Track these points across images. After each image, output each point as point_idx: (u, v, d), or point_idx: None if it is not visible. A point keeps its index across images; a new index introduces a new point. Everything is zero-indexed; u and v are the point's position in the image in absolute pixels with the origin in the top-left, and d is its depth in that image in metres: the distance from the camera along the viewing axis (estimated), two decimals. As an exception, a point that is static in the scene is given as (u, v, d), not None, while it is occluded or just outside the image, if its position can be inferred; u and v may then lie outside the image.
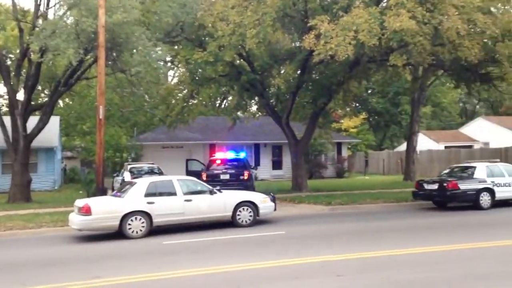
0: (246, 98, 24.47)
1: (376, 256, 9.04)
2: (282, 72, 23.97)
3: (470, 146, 38.65)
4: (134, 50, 17.85)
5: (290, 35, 19.20)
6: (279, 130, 25.70)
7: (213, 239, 11.59)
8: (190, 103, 24.20)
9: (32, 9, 20.66)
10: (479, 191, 16.03)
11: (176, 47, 23.12)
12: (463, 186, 16.06)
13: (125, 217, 11.90)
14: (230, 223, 13.21)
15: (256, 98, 24.61)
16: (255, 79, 21.56)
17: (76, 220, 11.93)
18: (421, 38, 15.08)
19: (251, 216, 13.35)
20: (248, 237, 11.72)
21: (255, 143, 34.04)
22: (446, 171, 18.43)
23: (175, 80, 36.71)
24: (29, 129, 20.46)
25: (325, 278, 7.54)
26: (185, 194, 12.79)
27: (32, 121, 21.01)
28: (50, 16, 20.43)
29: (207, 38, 20.80)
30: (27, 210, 17.07)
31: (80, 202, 12.23)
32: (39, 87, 32.72)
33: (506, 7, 17.90)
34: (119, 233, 12.00)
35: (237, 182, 19.32)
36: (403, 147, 37.64)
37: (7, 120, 20.74)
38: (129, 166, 22.51)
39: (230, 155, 22.08)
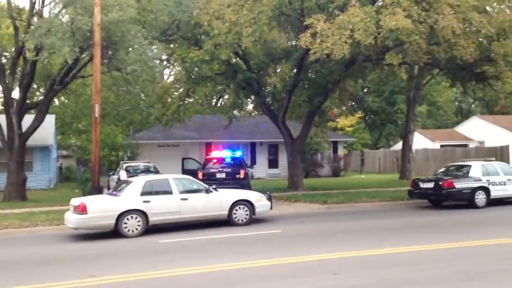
0: (242, 97, 24.46)
1: (372, 254, 9.06)
2: (278, 70, 23.95)
3: (466, 145, 38.79)
4: (130, 49, 17.81)
5: (286, 34, 19.21)
6: (275, 129, 25.71)
7: (209, 238, 11.58)
8: (186, 102, 24.16)
9: (27, 7, 20.55)
10: (475, 190, 16.10)
11: (172, 45, 23.07)
12: (459, 184, 16.13)
13: (121, 215, 11.88)
14: (226, 222, 13.21)
15: (252, 96, 24.59)
16: (251, 78, 21.55)
17: (71, 219, 11.90)
18: (416, 37, 15.11)
19: (247, 214, 13.35)
20: (244, 235, 11.73)
21: (251, 141, 34.03)
22: (442, 170, 18.49)
23: (171, 78, 36.74)
24: (25, 128, 20.37)
25: (321, 277, 7.55)
26: (181, 193, 12.78)
27: (28, 120, 20.91)
28: (46, 14, 20.36)
29: (203, 37, 20.77)
30: (22, 209, 17.00)
31: (75, 201, 12.20)
32: (35, 86, 32.55)
33: (501, 6, 17.94)
34: (115, 232, 11.97)
35: (233, 181, 19.32)
36: (399, 146, 37.74)
37: (2, 118, 20.63)
38: (125, 165, 22.46)
39: (226, 153, 22.08)
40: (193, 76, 21.64)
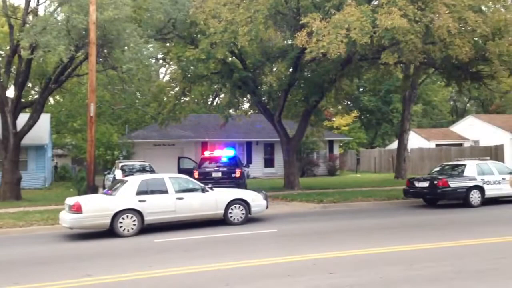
0: (238, 96, 24.45)
1: (368, 253, 9.08)
2: (274, 69, 23.97)
3: (461, 144, 38.92)
4: (126, 47, 17.75)
5: (282, 33, 19.19)
6: (271, 128, 25.73)
7: (205, 237, 11.57)
8: (182, 101, 24.14)
9: (23, 5, 20.49)
10: (469, 189, 16.16)
11: (168, 44, 23.03)
12: (453, 184, 16.18)
13: (116, 215, 11.85)
14: (222, 221, 13.20)
15: (248, 95, 24.58)
16: (247, 77, 21.54)
17: (67, 218, 11.86)
18: (412, 36, 15.14)
19: (243, 214, 13.34)
20: (240, 235, 11.72)
21: (247, 141, 34.03)
22: (437, 169, 18.55)
23: (167, 77, 36.73)
24: (19, 127, 20.28)
25: (317, 276, 7.55)
26: (177, 192, 12.75)
27: (23, 119, 20.83)
28: (41, 12, 20.31)
29: (199, 35, 20.74)
30: (17, 208, 16.93)
31: (70, 200, 12.15)
32: (30, 84, 32.43)
33: (496, 6, 17.99)
34: (110, 231, 11.94)
35: (229, 180, 19.34)
36: (394, 145, 37.83)
37: (-4, 117, 20.54)
38: (120, 164, 22.41)
39: (222, 152, 22.08)
40: (189, 75, 21.61)
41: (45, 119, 28.40)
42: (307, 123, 24.18)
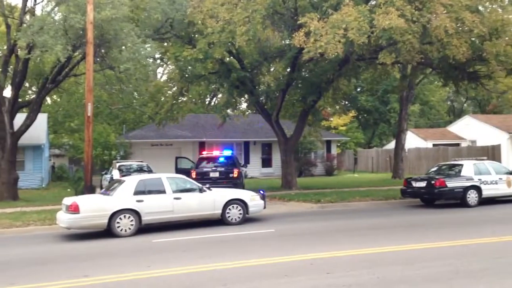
0: (236, 96, 24.42)
1: (365, 253, 9.09)
2: (272, 69, 23.95)
3: (458, 144, 39.00)
4: (123, 47, 17.72)
5: (280, 33, 19.18)
6: (268, 128, 25.73)
7: (203, 237, 11.56)
8: (180, 101, 24.10)
9: (20, 5, 20.40)
10: (466, 189, 16.20)
11: (165, 44, 22.99)
12: (451, 183, 16.21)
13: (113, 215, 11.83)
14: (219, 221, 13.20)
15: (246, 95, 24.57)
16: (245, 77, 21.53)
17: (64, 218, 11.83)
18: (410, 36, 15.16)
19: (240, 214, 13.34)
20: (237, 235, 11.72)
21: (244, 141, 34.02)
22: (434, 169, 18.58)
23: (165, 77, 36.68)
24: (16, 127, 20.22)
25: (315, 276, 7.55)
26: (175, 192, 12.74)
27: (20, 118, 20.78)
28: (38, 12, 20.21)
29: (196, 35, 20.72)
30: (14, 208, 16.90)
31: (68, 200, 12.13)
32: (27, 84, 32.34)
33: (493, 6, 18.04)
34: (107, 232, 11.92)
35: (226, 180, 19.33)
36: (391, 145, 37.89)
37: (-6, 117, 20.47)
38: (117, 164, 22.37)
39: (220, 152, 22.07)
40: (186, 75, 21.58)
41: (42, 119, 28.33)
42: (304, 123, 24.19)
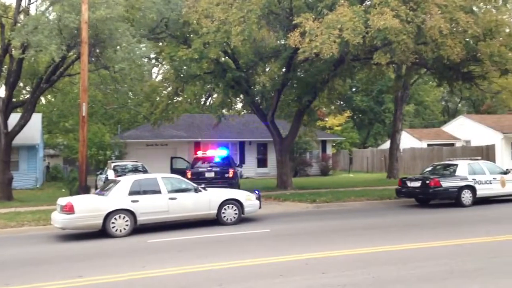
0: (231, 96, 24.42)
1: (360, 253, 9.11)
2: (267, 69, 23.96)
3: (452, 144, 39.16)
4: (118, 47, 17.67)
5: (275, 33, 19.20)
6: (264, 128, 25.73)
7: (198, 237, 11.55)
8: (175, 101, 24.06)
9: (14, 4, 20.29)
10: (461, 189, 16.26)
11: (160, 43, 22.95)
12: (445, 183, 16.28)
13: (108, 215, 11.80)
14: (215, 221, 13.19)
15: (241, 95, 24.57)
16: (240, 77, 21.52)
17: (58, 219, 11.79)
18: (404, 37, 15.21)
19: (236, 214, 13.34)
20: (233, 235, 11.71)
21: (240, 141, 34.02)
22: (429, 168, 18.66)
23: (160, 77, 36.59)
24: (11, 127, 20.13)
25: (310, 276, 7.56)
26: (170, 192, 12.72)
27: (14, 118, 20.68)
28: (32, 11, 20.13)
29: (191, 35, 20.70)
30: (8, 209, 16.81)
31: (62, 201, 12.08)
32: (21, 84, 32.19)
33: (487, 7, 18.13)
34: (102, 232, 11.89)
35: (222, 180, 19.32)
36: (386, 145, 37.99)
37: (-13, 117, 20.36)
38: (112, 164, 22.32)
39: (215, 152, 22.05)
40: (181, 75, 21.55)
41: (36, 119, 28.21)
42: (300, 123, 24.22)
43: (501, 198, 17.42)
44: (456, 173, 16.69)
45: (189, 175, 18.97)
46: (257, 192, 14.38)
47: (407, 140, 38.42)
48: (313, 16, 16.24)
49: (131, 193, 12.27)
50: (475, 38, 17.22)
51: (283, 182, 23.13)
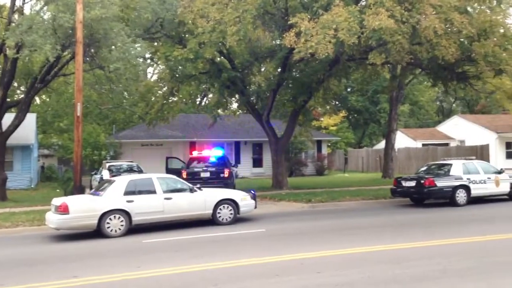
0: (227, 96, 24.41)
1: (355, 252, 9.14)
2: (262, 69, 24.00)
3: (447, 144, 39.33)
4: (113, 46, 17.63)
5: (271, 33, 19.22)
6: (259, 128, 25.74)
7: (193, 237, 11.54)
8: (170, 101, 24.03)
9: (8, 4, 20.20)
10: (455, 188, 16.33)
11: (155, 43, 22.92)
12: (440, 183, 16.34)
13: (103, 215, 11.77)
14: (210, 221, 13.19)
15: (237, 95, 24.57)
16: (235, 77, 21.52)
17: (53, 219, 11.75)
18: (399, 37, 15.26)
19: (231, 214, 13.34)
20: (228, 235, 11.71)
21: (235, 141, 34.02)
22: (423, 168, 18.73)
23: (155, 77, 36.51)
24: (5, 127, 20.05)
25: (305, 275, 7.58)
26: (165, 192, 12.70)
27: (8, 118, 20.58)
28: (27, 11, 20.06)
29: (187, 35, 20.67)
30: (2, 209, 16.73)
31: (57, 201, 12.04)
32: (15, 84, 31.97)
33: (482, 7, 18.21)
34: (97, 232, 11.86)
35: (217, 180, 19.32)
36: (381, 145, 38.11)
37: (-19, 117, 20.26)
38: (107, 164, 22.24)
39: (211, 152, 22.05)
40: (177, 75, 21.52)
41: (31, 119, 28.10)
42: (295, 123, 24.24)
43: (495, 197, 17.50)
44: (451, 173, 16.77)
45: (184, 175, 18.95)
46: (253, 192, 14.38)
47: (402, 140, 38.55)
48: (309, 16, 16.26)
49: (126, 193, 12.24)
50: (470, 38, 17.30)
51: (279, 182, 23.14)
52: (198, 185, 13.88)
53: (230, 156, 31.57)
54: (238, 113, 28.34)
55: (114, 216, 11.86)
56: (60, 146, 36.98)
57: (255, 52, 21.64)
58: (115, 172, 20.89)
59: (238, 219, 13.54)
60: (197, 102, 43.05)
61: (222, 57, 22.75)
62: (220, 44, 19.27)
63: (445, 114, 57.92)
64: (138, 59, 21.27)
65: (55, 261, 9.50)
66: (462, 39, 17.52)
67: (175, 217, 12.84)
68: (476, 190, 16.67)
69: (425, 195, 16.66)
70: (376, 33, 15.01)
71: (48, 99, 39.82)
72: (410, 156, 35.69)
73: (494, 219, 13.59)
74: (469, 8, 17.82)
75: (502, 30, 17.99)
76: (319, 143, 36.63)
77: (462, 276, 7.36)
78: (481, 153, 31.49)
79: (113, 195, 12.15)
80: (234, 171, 23.29)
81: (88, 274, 8.08)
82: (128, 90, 27.77)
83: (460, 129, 40.02)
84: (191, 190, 13.11)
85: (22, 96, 25.73)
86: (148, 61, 27.78)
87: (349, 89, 42.19)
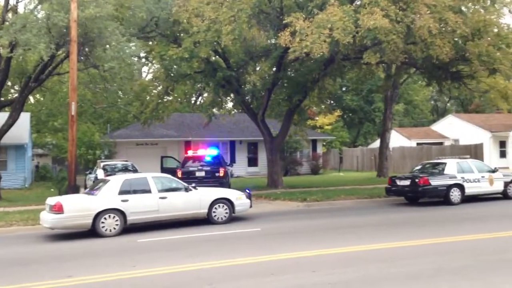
0: (222, 95, 24.40)
1: (350, 251, 9.16)
2: (257, 69, 23.97)
3: (441, 143, 39.51)
4: (107, 46, 17.58)
5: (266, 32, 19.23)
6: (254, 127, 25.73)
7: (188, 237, 11.53)
8: (165, 100, 23.98)
9: (2, 3, 20.10)
10: (450, 187, 16.40)
11: (150, 42, 22.86)
12: (434, 182, 16.41)
13: (98, 215, 11.73)
14: (205, 220, 13.17)
15: (232, 95, 24.56)
16: (230, 76, 21.51)
17: (47, 219, 11.69)
18: (394, 37, 15.31)
19: (226, 213, 13.33)
20: (223, 234, 11.71)
21: (230, 140, 34.00)
22: (418, 167, 18.80)
23: (150, 76, 36.40)
24: (-2, 126, 19.95)
25: (301, 274, 7.59)
26: (160, 191, 12.68)
27: (2, 118, 20.49)
28: (21, 10, 19.97)
29: (182, 34, 20.62)
30: (-4, 209, 16.65)
31: (51, 200, 11.99)
32: (9, 83, 31.81)
33: (476, 7, 18.29)
34: (92, 232, 11.82)
35: (212, 179, 19.30)
36: (376, 144, 38.22)
37: (-25, 116, 20.18)
38: (102, 164, 22.13)
39: (206, 152, 22.03)
40: (172, 74, 21.49)
41: (25, 118, 27.96)
42: (290, 122, 24.26)
43: (489, 196, 17.59)
44: (445, 172, 16.84)
45: (179, 174, 18.91)
46: (248, 191, 14.38)
47: (397, 139, 38.70)
48: (304, 15, 16.28)
49: (121, 192, 12.21)
50: (464, 38, 17.38)
51: (274, 181, 23.15)
52: (193, 184, 13.86)
53: (225, 155, 31.57)
54: (233, 112, 28.37)
55: (109, 216, 11.83)
56: (55, 145, 36.81)
57: (250, 51, 21.64)
58: (110, 171, 20.80)
59: (233, 218, 13.54)
60: (192, 101, 43.00)
61: (217, 56, 22.73)
62: (215, 43, 19.26)
63: (439, 113, 58.17)
64: (132, 58, 21.21)
65: (49, 260, 9.47)
66: (456, 39, 17.60)
67: (170, 217, 12.82)
68: (470, 189, 16.74)
69: (420, 194, 16.72)
70: (371, 33, 15.05)
71: (42, 98, 39.62)
72: (405, 155, 35.82)
73: (488, 218, 13.65)
74: (463, 8, 17.90)
75: (496, 30, 18.09)
76: (314, 142, 36.68)
77: (456, 274, 7.40)
78: (475, 152, 31.66)
79: (108, 195, 12.12)
80: (229, 170, 23.28)
81: (83, 273, 8.05)
82: (123, 89, 27.67)
83: (454, 128, 40.21)
84: (186, 190, 13.10)
85: (16, 95, 25.60)
86: (143, 60, 27.74)
87: (344, 89, 42.32)
